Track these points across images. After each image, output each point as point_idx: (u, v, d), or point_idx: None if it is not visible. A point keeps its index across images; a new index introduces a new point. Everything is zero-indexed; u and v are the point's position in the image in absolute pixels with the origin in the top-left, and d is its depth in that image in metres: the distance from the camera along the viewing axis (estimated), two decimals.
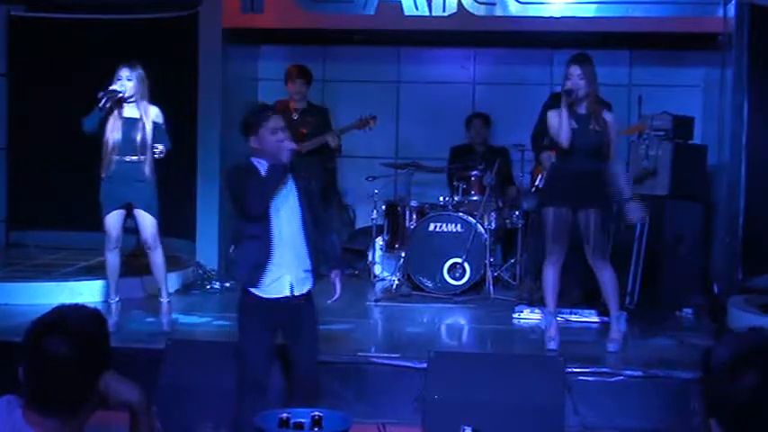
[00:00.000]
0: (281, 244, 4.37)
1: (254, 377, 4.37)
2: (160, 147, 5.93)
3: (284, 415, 3.43)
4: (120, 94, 5.82)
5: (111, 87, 5.82)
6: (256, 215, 4.33)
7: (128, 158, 5.86)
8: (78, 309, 2.31)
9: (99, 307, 2.41)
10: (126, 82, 5.85)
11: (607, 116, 5.68)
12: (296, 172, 4.49)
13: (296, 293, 4.40)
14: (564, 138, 5.51)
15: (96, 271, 7.29)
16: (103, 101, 5.74)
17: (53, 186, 8.80)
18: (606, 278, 5.69)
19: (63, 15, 8.88)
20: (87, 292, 6.70)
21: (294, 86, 7.67)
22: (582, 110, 5.63)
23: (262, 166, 4.41)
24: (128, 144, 5.85)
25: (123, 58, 6.24)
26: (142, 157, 5.88)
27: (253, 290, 4.40)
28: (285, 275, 4.38)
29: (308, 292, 4.49)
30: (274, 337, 4.49)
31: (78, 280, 7.11)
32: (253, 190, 4.32)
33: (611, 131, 5.66)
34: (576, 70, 5.61)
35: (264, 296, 4.39)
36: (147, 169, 5.89)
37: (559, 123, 5.52)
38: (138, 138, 5.85)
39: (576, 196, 5.62)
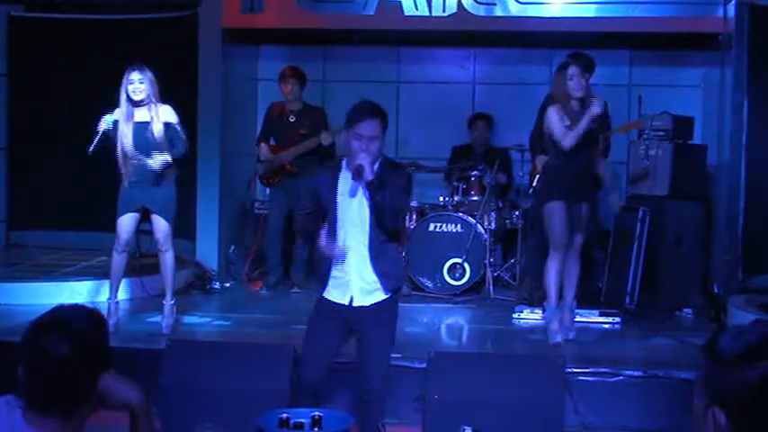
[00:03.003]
0: (347, 252, 4.33)
1: (303, 373, 4.38)
2: (163, 157, 5.87)
3: (284, 415, 3.42)
4: (106, 134, 5.76)
5: (98, 128, 5.74)
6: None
7: (142, 162, 5.84)
8: (77, 309, 2.30)
9: (99, 307, 2.40)
10: (138, 84, 5.81)
11: (595, 106, 5.67)
12: (374, 184, 4.25)
13: (355, 304, 4.35)
14: (569, 142, 5.58)
15: (96, 271, 7.30)
16: (94, 146, 5.70)
17: (53, 186, 8.79)
18: (576, 268, 5.85)
19: (63, 15, 8.88)
20: (87, 292, 6.71)
21: (288, 87, 7.63)
22: (576, 108, 5.69)
23: (345, 166, 4.38)
24: (141, 148, 5.82)
25: (123, 58, 6.22)
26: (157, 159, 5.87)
27: (322, 291, 4.44)
28: (348, 284, 4.35)
29: (377, 305, 4.38)
30: (338, 340, 4.43)
31: (78, 280, 7.10)
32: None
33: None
34: (574, 70, 5.68)
35: (330, 298, 4.41)
36: (164, 171, 5.87)
37: (564, 125, 5.61)
38: (151, 140, 5.82)
39: (575, 191, 5.72)
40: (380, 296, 4.38)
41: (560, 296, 5.87)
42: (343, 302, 4.36)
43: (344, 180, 4.34)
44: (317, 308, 4.49)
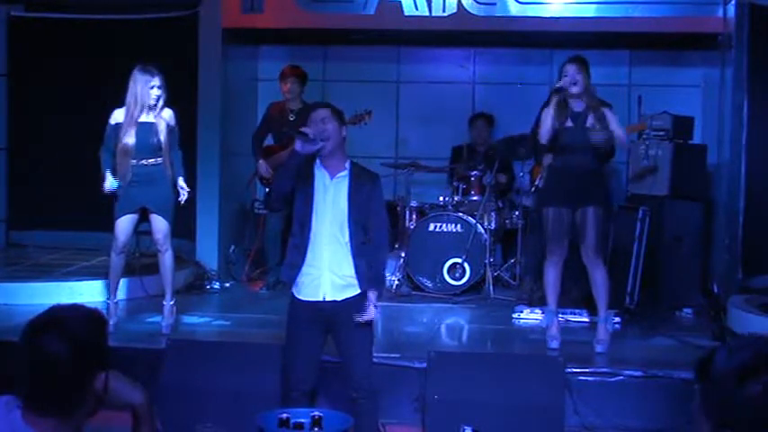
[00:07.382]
0: (318, 246, 4.33)
1: (289, 377, 4.41)
2: (185, 194, 5.94)
3: (284, 415, 3.42)
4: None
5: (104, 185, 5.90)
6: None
7: (144, 162, 5.85)
8: (74, 308, 2.29)
9: (99, 307, 2.40)
10: (157, 90, 5.83)
11: (606, 112, 5.66)
12: (357, 178, 4.38)
13: (327, 299, 4.35)
14: (543, 136, 5.57)
15: (96, 271, 7.30)
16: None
17: (53, 186, 8.79)
18: (599, 277, 5.69)
19: (63, 15, 8.87)
20: (87, 292, 6.71)
21: (287, 86, 7.64)
22: (578, 107, 5.64)
23: (320, 162, 4.43)
24: (143, 148, 5.83)
25: (123, 58, 6.22)
26: (159, 159, 5.87)
27: (293, 290, 4.43)
28: (319, 280, 4.34)
29: (352, 299, 4.37)
30: (319, 339, 4.44)
31: (78, 280, 7.10)
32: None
33: (610, 123, 5.63)
34: (571, 68, 5.62)
35: (302, 298, 4.40)
36: (165, 172, 5.88)
37: (545, 121, 5.58)
38: (154, 141, 5.84)
39: (575, 195, 5.64)
40: (353, 291, 4.38)
41: (558, 300, 5.85)
42: (315, 299, 4.36)
43: (319, 174, 4.37)
44: (291, 313, 4.48)
